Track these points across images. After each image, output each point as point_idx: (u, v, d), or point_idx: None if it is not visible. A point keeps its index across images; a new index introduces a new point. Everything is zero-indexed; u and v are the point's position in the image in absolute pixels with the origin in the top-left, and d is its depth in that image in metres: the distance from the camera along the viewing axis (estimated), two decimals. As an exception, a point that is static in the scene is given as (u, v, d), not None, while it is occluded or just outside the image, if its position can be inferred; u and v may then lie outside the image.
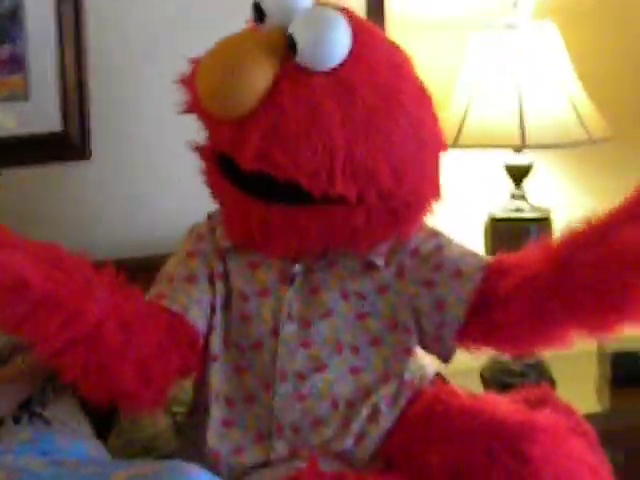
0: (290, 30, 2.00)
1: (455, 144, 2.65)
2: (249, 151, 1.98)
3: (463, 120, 2.69)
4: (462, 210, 2.86)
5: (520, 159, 2.77)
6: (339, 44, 2.02)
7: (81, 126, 2.64)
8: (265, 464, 2.20)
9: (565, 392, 2.48)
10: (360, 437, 2.19)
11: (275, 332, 2.17)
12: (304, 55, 1.99)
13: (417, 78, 2.14)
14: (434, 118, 2.14)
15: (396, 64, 2.13)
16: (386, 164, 2.03)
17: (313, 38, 2.00)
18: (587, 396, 2.80)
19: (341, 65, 2.02)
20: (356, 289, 2.18)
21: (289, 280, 2.17)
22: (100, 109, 2.67)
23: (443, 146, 2.15)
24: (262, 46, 2.01)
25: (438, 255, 2.21)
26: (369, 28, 2.15)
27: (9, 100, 2.57)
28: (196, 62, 2.14)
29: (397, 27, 2.71)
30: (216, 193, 2.20)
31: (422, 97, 2.14)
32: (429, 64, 2.53)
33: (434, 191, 2.15)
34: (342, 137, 1.99)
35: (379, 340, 2.21)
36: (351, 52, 2.02)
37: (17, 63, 2.56)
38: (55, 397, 2.27)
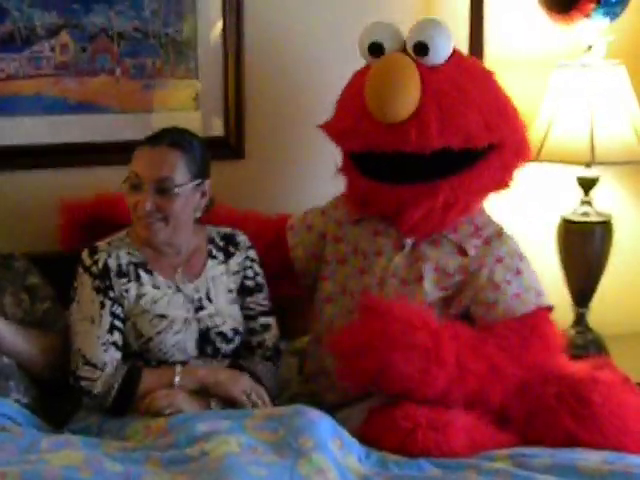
0: (419, 39, 2.62)
1: (537, 159, 3.06)
2: (434, 132, 2.57)
3: (544, 140, 3.10)
4: (539, 212, 3.30)
5: (589, 172, 3.17)
6: (452, 41, 2.68)
7: (238, 132, 3.10)
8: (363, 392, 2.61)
9: (618, 365, 2.81)
10: None
11: (381, 284, 2.70)
12: (435, 54, 2.63)
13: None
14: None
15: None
16: (504, 120, 2.68)
17: (440, 40, 2.64)
18: (637, 369, 3.04)
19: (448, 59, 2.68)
20: (445, 266, 2.69)
21: (400, 248, 2.72)
22: (254, 118, 3.11)
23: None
24: (405, 61, 2.62)
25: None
26: None
27: (182, 110, 3.06)
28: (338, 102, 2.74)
29: (493, 63, 3.07)
30: (352, 184, 2.78)
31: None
32: (517, 93, 3.00)
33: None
34: (479, 101, 2.65)
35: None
36: None
37: (189, 80, 3.05)
38: None
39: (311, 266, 2.86)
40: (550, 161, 3.10)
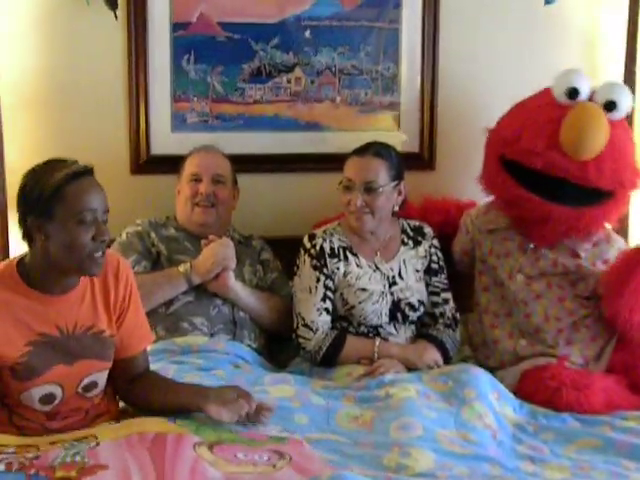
0: (611, 97, 3.00)
1: None
2: (607, 174, 2.97)
3: None
4: None
5: None
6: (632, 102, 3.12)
7: (430, 148, 3.57)
8: (515, 359, 3.00)
9: None
10: (569, 342, 3.02)
11: (510, 278, 3.09)
12: (620, 111, 3.02)
13: None
14: None
15: None
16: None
17: (626, 100, 3.06)
18: None
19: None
20: (562, 264, 3.05)
21: (524, 250, 3.11)
22: (445, 137, 3.56)
23: None
24: (601, 113, 3.00)
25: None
26: None
27: (387, 130, 3.57)
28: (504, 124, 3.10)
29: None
30: (500, 186, 3.08)
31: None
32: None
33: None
34: (632, 154, 3.04)
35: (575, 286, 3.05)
36: None
37: (393, 106, 3.58)
38: None
39: (464, 260, 3.29)
40: None
